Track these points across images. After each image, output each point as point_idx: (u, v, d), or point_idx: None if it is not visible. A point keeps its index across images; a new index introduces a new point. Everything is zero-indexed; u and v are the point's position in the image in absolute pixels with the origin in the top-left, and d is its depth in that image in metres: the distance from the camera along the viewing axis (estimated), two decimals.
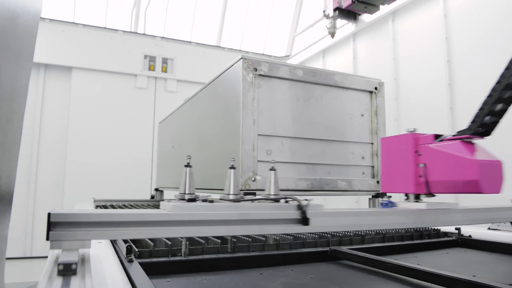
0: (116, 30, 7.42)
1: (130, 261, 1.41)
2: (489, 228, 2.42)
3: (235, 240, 1.88)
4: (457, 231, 2.33)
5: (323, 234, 2.17)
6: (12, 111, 0.91)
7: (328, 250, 1.88)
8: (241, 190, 1.84)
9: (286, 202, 1.41)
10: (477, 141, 1.46)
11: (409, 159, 1.54)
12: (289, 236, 2.04)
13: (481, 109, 1.42)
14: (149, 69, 7.52)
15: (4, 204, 0.88)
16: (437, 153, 1.44)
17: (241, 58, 1.98)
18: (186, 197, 1.31)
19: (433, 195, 1.54)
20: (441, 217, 1.61)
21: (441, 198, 1.73)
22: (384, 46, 5.79)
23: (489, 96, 1.41)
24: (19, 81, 0.97)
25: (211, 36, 8.75)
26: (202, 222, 1.24)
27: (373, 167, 2.38)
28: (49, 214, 1.05)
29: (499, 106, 1.39)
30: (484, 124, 1.41)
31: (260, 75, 2.00)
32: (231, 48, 8.47)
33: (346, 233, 2.24)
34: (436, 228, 2.42)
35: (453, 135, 1.46)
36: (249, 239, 1.90)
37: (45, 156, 6.82)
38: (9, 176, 0.92)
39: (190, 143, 3.00)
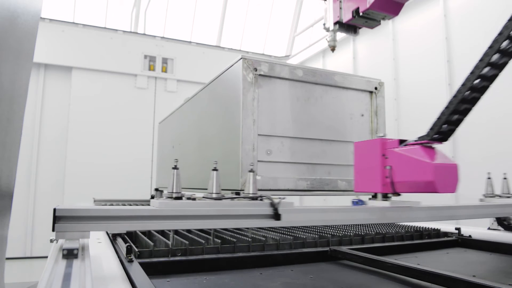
0: (116, 30, 7.42)
1: (130, 261, 1.41)
2: (489, 228, 2.42)
3: (235, 240, 1.88)
4: (457, 231, 2.33)
5: (323, 234, 2.17)
6: (12, 111, 0.91)
7: (328, 250, 1.88)
8: (241, 190, 1.84)
9: (261, 200, 1.55)
10: (437, 146, 1.59)
11: (377, 161, 1.66)
12: (289, 236, 2.03)
13: (438, 118, 1.57)
14: (149, 69, 7.53)
15: (4, 203, 0.88)
16: (401, 156, 1.57)
17: (241, 58, 1.98)
18: (173, 195, 1.46)
19: (399, 195, 1.66)
20: (403, 214, 1.73)
21: (441, 199, 1.74)
22: (384, 46, 5.79)
23: (446, 107, 1.55)
24: (19, 81, 0.97)
25: (211, 36, 8.75)
26: (185, 216, 1.40)
27: None
28: (54, 209, 1.22)
29: (455, 117, 1.54)
30: (441, 131, 1.55)
31: (260, 75, 2.00)
32: (231, 48, 8.48)
33: (346, 233, 2.24)
34: (436, 228, 2.42)
35: (415, 140, 1.59)
36: (249, 239, 1.90)
37: (45, 156, 6.82)
38: (9, 176, 0.92)
39: (190, 143, 3.00)
